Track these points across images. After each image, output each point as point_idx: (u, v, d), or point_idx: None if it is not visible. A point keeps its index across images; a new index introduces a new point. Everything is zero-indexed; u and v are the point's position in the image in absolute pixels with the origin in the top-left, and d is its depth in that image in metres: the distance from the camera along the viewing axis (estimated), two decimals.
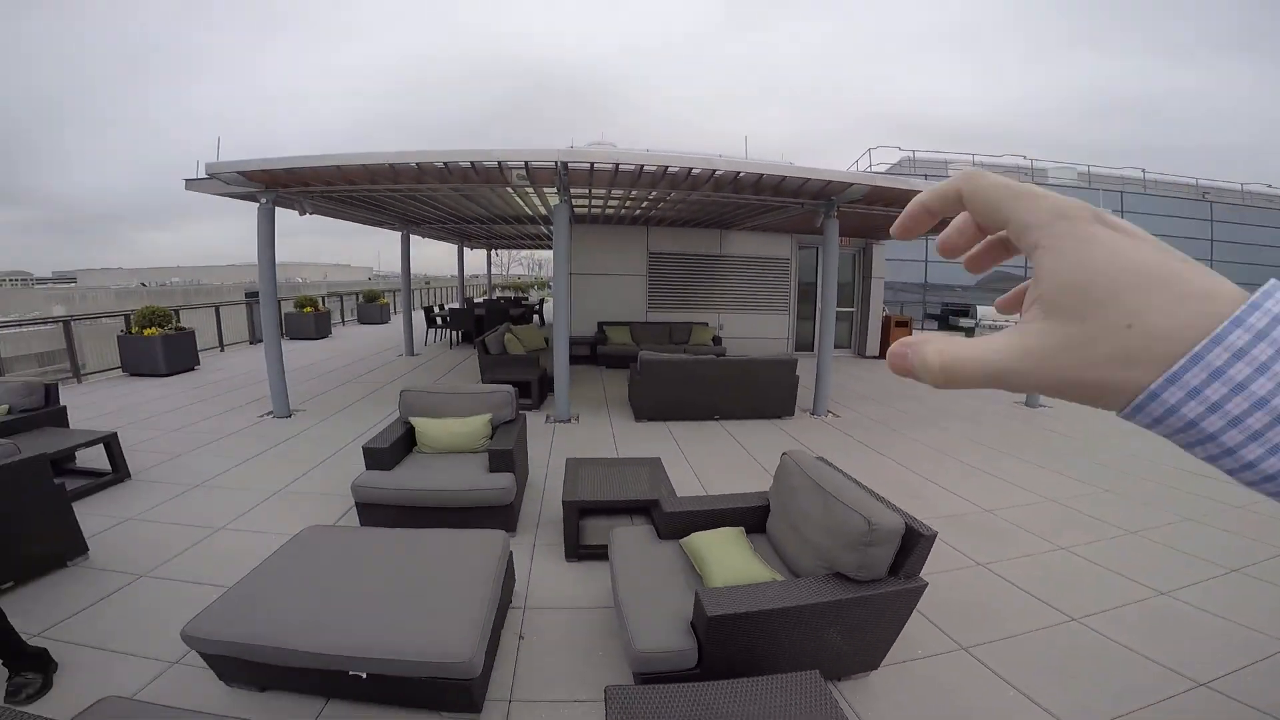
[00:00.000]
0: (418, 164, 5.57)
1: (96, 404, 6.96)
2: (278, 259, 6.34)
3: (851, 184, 6.36)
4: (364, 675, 2.08)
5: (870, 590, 2.20)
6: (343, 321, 17.04)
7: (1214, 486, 5.00)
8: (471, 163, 5.63)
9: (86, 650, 2.54)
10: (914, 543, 2.19)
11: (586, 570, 3.30)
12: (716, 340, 10.61)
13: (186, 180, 6.50)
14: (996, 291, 16.29)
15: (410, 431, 4.10)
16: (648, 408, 6.70)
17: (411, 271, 12.10)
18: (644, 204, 8.76)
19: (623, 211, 9.75)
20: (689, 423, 6.61)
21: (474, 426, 4.10)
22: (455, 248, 17.36)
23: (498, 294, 25.00)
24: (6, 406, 4.75)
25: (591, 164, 5.91)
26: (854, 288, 12.51)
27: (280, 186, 6.17)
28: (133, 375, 8.74)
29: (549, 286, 47.99)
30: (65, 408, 5.12)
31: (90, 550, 3.35)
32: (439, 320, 13.59)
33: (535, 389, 7.12)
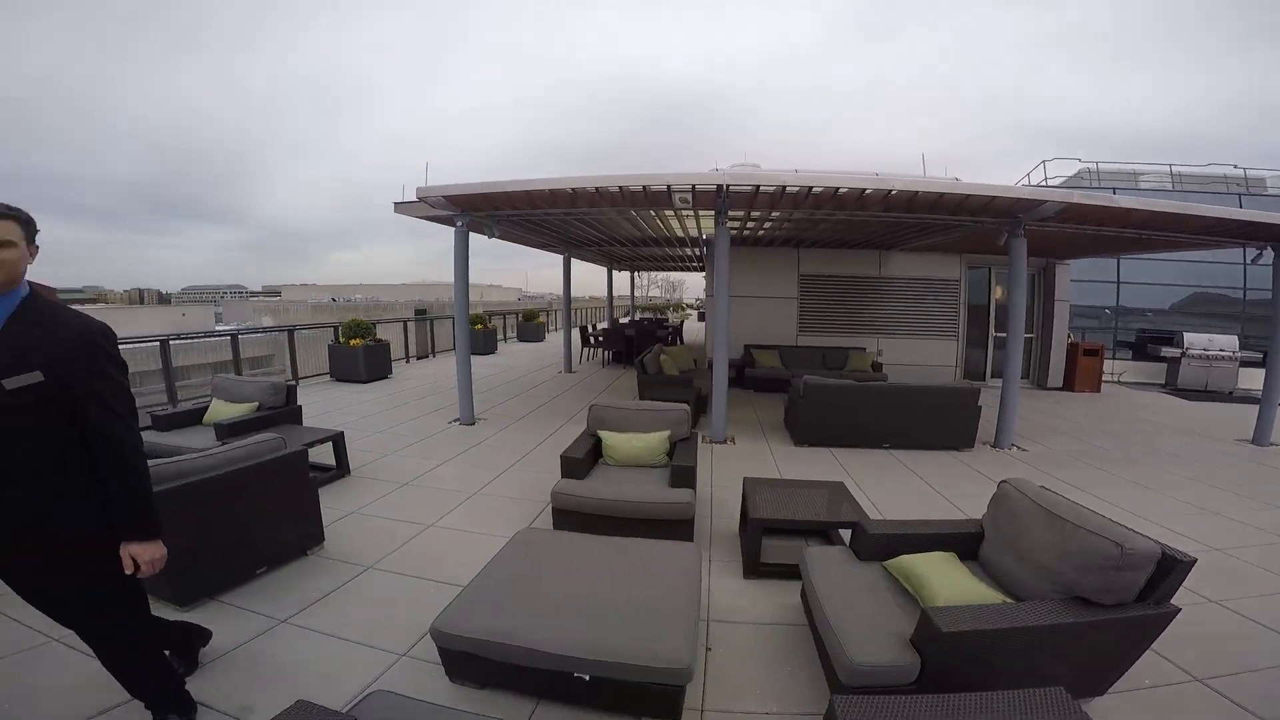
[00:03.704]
0: (596, 188, 5.92)
1: (313, 405, 7.80)
2: (437, 279, 6.92)
3: (1044, 201, 5.80)
4: (587, 677, 2.14)
5: (1116, 614, 2.14)
6: (504, 339, 18.43)
7: None
8: (643, 186, 5.89)
9: (327, 639, 2.73)
10: (1169, 569, 2.13)
11: (766, 587, 3.31)
12: (876, 366, 10.05)
13: (395, 203, 7.32)
14: (1196, 317, 13.50)
15: (597, 444, 4.32)
16: (809, 432, 6.49)
17: (570, 293, 12.84)
18: (798, 225, 8.58)
19: (776, 234, 9.63)
20: (855, 450, 6.30)
21: (654, 442, 4.25)
22: (602, 269, 18.19)
23: (639, 315, 25.75)
24: (257, 404, 5.34)
25: (756, 186, 5.91)
26: (1033, 311, 11.24)
27: (474, 210, 6.82)
28: (338, 380, 10.05)
29: (686, 309, 48.73)
30: (301, 407, 5.78)
31: (325, 541, 3.67)
32: (593, 340, 14.27)
33: (691, 409, 7.16)
